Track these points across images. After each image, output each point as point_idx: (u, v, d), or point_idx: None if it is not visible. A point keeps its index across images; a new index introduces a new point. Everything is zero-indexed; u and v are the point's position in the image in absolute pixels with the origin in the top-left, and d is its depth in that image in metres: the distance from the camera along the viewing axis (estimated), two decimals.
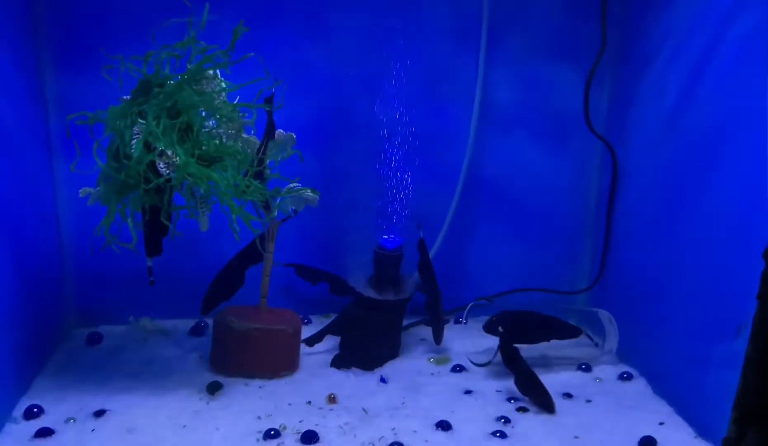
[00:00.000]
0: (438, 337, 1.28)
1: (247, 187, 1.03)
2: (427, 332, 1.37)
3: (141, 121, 1.01)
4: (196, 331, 1.33)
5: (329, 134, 1.37)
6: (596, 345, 1.27)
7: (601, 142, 1.39)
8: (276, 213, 1.17)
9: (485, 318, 1.30)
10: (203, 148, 1.03)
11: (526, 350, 1.18)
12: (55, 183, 1.28)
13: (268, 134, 1.13)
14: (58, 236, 1.29)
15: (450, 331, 1.33)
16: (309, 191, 1.22)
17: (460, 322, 1.44)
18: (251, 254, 1.21)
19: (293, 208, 1.22)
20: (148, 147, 1.00)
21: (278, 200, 1.20)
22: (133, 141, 1.00)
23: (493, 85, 1.39)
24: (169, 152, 1.00)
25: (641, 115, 1.29)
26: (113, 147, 1.02)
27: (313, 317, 1.44)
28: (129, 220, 1.01)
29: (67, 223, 1.30)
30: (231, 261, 1.23)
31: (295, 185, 1.21)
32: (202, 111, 1.04)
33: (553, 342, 1.24)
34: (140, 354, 1.23)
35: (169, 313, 1.37)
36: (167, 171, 1.00)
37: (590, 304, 1.43)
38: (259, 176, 1.08)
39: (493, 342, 1.22)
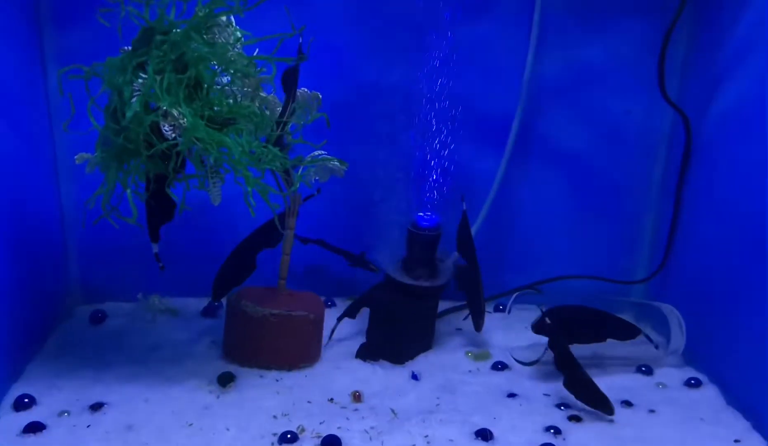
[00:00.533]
0: (478, 323, 1.14)
1: (265, 154, 0.89)
2: (463, 321, 1.23)
3: (143, 75, 0.87)
4: (209, 312, 1.21)
5: (358, 96, 1.21)
6: (656, 347, 1.12)
7: (672, 110, 1.21)
8: (298, 185, 1.03)
9: (529, 307, 1.16)
10: (214, 108, 0.89)
11: (574, 347, 1.03)
12: (56, 147, 1.15)
13: (290, 92, 0.98)
14: (59, 206, 1.18)
15: (489, 321, 1.19)
16: (335, 160, 1.07)
17: (501, 310, 1.30)
18: (267, 235, 1.08)
19: (317, 180, 1.08)
20: (149, 106, 0.87)
21: (301, 170, 1.06)
22: (134, 99, 0.86)
23: (547, 45, 1.22)
24: (175, 113, 0.86)
25: (722, 82, 1.11)
26: (111, 106, 0.89)
27: (338, 300, 1.31)
28: (128, 191, 0.88)
29: (69, 191, 1.18)
30: (244, 242, 1.10)
31: (320, 153, 1.07)
32: (213, 65, 0.90)
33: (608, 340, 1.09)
34: (146, 337, 1.11)
35: (180, 290, 1.25)
36: (173, 135, 0.87)
37: (649, 296, 1.27)
38: (279, 142, 0.93)
39: (538, 335, 1.07)
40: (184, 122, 0.86)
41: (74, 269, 1.22)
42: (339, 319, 1.12)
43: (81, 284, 1.22)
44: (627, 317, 1.19)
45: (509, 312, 1.18)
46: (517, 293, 1.12)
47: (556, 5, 1.20)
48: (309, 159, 1.06)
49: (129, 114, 0.83)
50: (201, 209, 1.06)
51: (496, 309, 1.30)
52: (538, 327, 1.03)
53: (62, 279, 1.19)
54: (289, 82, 0.98)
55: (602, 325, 1.07)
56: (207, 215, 1.19)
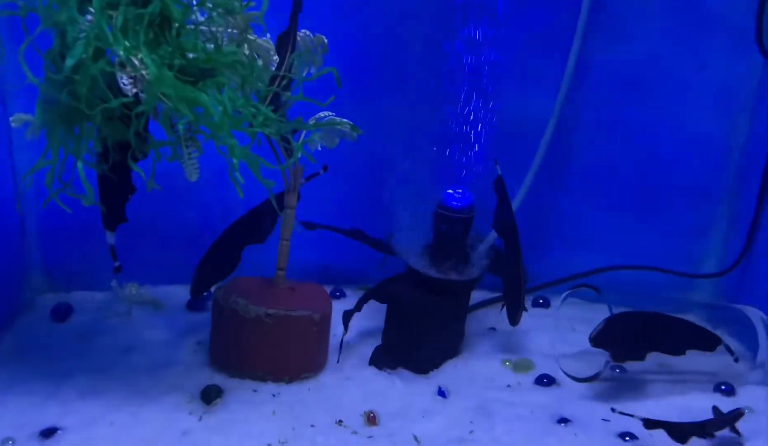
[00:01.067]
0: (515, 317, 0.95)
1: (254, 116, 0.68)
2: (497, 317, 1.04)
3: (92, 10, 0.66)
4: (195, 305, 1.02)
5: (378, 56, 1.00)
6: (736, 360, 0.92)
7: (760, 66, 0.98)
8: (300, 154, 0.83)
9: (576, 302, 0.96)
10: (188, 55, 0.67)
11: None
12: (6, 109, 0.95)
13: (289, 36, 0.76)
14: (13, 179, 0.98)
15: (529, 319, 0.99)
16: (346, 123, 0.86)
17: (541, 305, 1.10)
18: (255, 224, 0.88)
19: (323, 147, 0.88)
20: (105, 52, 0.66)
21: (303, 136, 0.85)
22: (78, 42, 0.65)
23: None
24: (135, 61, 0.65)
25: None
26: (54, 52, 0.68)
27: (348, 291, 1.11)
28: (79, 164, 0.68)
29: (24, 161, 0.98)
30: (226, 233, 0.90)
31: (326, 114, 0.86)
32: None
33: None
34: (118, 337, 0.93)
35: (164, 277, 1.07)
36: (133, 90, 0.66)
37: (721, 295, 1.06)
38: (274, 100, 0.72)
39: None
40: (147, 73, 0.65)
41: (34, 253, 1.02)
42: (347, 317, 0.92)
43: (43, 270, 1.03)
44: (693, 320, 0.98)
45: (558, 308, 0.98)
46: (568, 293, 0.92)
47: None
48: (313, 122, 0.85)
49: (69, 61, 0.62)
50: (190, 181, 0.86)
51: (536, 304, 1.10)
52: (598, 340, 0.83)
53: (20, 266, 1.00)
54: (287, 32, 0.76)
55: (674, 334, 0.87)
56: (198, 188, 0.99)
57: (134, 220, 1.03)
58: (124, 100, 0.64)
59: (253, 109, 0.67)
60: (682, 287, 1.09)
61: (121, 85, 0.66)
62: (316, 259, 1.08)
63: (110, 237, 0.77)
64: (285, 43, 0.75)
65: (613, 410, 0.78)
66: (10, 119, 0.72)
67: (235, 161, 0.67)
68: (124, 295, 1.02)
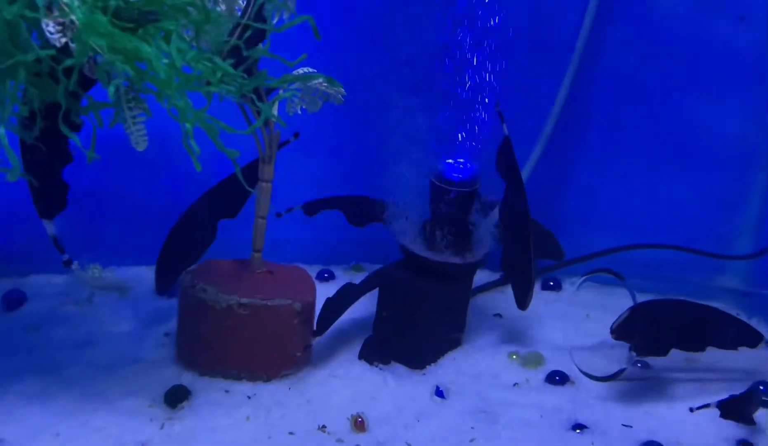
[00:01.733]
0: (523, 300, 0.83)
1: (212, 72, 0.56)
2: (503, 300, 0.93)
3: None
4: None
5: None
6: None
7: None
8: (274, 114, 0.71)
9: (591, 285, 0.85)
10: None
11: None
12: None
13: None
14: None
15: (538, 304, 0.88)
16: (327, 79, 0.74)
17: (551, 288, 0.99)
18: (226, 197, 0.76)
19: (303, 110, 0.76)
20: None
21: (277, 93, 0.73)
22: None
23: None
24: (63, 4, 0.53)
25: None
26: None
27: (337, 270, 1.01)
28: (0, 129, 0.56)
29: None
30: (193, 207, 0.78)
31: (304, 70, 0.73)
32: None
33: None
34: (75, 328, 0.82)
35: (129, 258, 0.96)
36: (62, 39, 0.54)
37: (754, 280, 0.95)
38: (236, 53, 0.59)
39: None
40: (76, 19, 0.53)
41: None
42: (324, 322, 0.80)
43: None
44: (723, 308, 0.87)
45: (575, 292, 0.87)
46: (586, 278, 0.80)
47: None
48: (287, 77, 0.73)
49: None
50: (162, 144, 0.74)
51: (545, 287, 0.99)
52: (621, 332, 0.72)
53: None
54: None
55: (709, 327, 0.76)
56: (168, 155, 0.87)
57: (97, 193, 0.92)
58: (47, 52, 0.52)
59: (209, 64, 0.55)
60: (712, 268, 0.98)
61: (48, 34, 0.55)
62: (300, 235, 0.97)
63: (49, 227, 0.66)
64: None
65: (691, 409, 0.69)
66: None
67: (188, 126, 0.55)
68: (86, 278, 0.91)
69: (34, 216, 0.90)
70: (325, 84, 0.75)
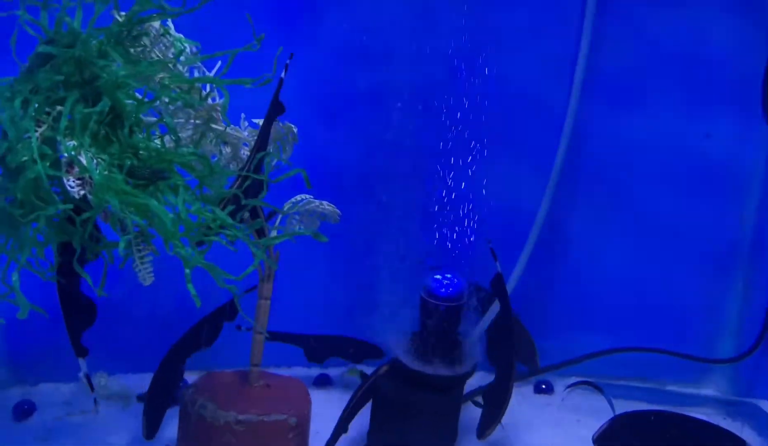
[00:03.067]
0: (483, 430, 0.84)
1: (213, 220, 0.62)
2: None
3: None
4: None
5: (350, 114, 0.94)
6: None
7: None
8: (275, 239, 0.76)
9: (584, 391, 0.88)
10: (140, 152, 0.62)
11: None
12: None
13: (266, 125, 0.70)
14: None
15: (531, 408, 0.91)
16: (325, 203, 0.81)
17: (544, 391, 1.01)
18: (197, 336, 0.81)
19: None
20: (56, 146, 0.61)
21: (278, 221, 0.80)
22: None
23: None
24: (83, 160, 0.60)
25: None
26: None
27: (333, 373, 1.04)
28: (15, 276, 0.61)
29: None
30: (167, 356, 0.83)
31: (303, 197, 0.80)
32: (140, 91, 0.63)
33: None
34: (81, 441, 0.85)
35: (135, 365, 1.00)
36: (81, 192, 0.61)
37: (740, 383, 0.97)
38: (235, 200, 0.65)
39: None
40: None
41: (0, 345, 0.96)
42: (335, 433, 0.84)
43: (9, 363, 0.96)
44: (709, 414, 0.89)
45: (563, 400, 0.89)
46: (569, 389, 0.83)
47: None
48: (289, 206, 0.80)
49: (11, 159, 0.57)
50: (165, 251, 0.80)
51: (538, 390, 1.02)
52: (603, 442, 0.75)
53: None
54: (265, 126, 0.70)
55: (691, 437, 0.78)
56: (173, 269, 0.93)
57: (104, 300, 0.96)
58: (66, 206, 0.59)
59: (210, 214, 0.61)
60: (696, 372, 1.00)
61: (68, 187, 0.61)
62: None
63: (83, 365, 0.71)
64: (255, 145, 0.69)
65: None
66: None
67: (187, 270, 0.61)
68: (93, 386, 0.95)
69: (44, 326, 0.96)
70: (323, 205, 0.82)
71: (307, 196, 0.82)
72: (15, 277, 0.60)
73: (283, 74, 0.69)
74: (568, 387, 0.83)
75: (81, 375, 0.75)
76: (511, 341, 0.82)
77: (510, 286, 0.95)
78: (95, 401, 0.81)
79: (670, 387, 0.99)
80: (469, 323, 0.88)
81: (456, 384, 0.86)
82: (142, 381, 0.98)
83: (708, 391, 1.00)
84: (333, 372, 1.04)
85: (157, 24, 0.63)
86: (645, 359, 1.00)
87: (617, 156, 1.00)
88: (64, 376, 0.96)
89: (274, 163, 0.69)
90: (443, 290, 0.85)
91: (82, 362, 0.76)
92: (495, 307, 0.89)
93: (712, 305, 1.02)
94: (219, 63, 0.71)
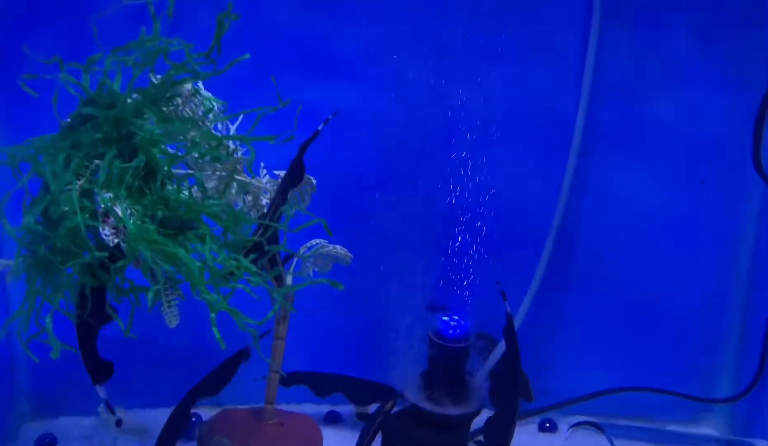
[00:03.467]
0: None
1: (237, 268, 0.67)
2: None
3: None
4: (186, 432, 0.98)
5: (361, 171, 0.99)
6: None
7: (761, 186, 0.96)
8: (295, 287, 0.81)
9: (587, 430, 0.90)
10: (171, 203, 0.67)
11: None
12: (3, 241, 0.95)
13: (287, 184, 0.75)
14: (5, 307, 0.97)
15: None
16: (338, 247, 0.85)
17: (548, 430, 1.04)
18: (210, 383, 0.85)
19: (315, 272, 0.86)
20: (93, 197, 0.66)
21: (294, 265, 0.84)
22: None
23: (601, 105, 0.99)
24: (118, 211, 0.65)
25: None
26: (39, 200, 0.68)
27: (342, 411, 1.07)
28: (48, 319, 0.66)
29: (16, 291, 0.96)
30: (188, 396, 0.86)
31: (317, 242, 0.85)
32: (172, 145, 0.68)
33: None
34: None
35: (153, 399, 1.03)
36: (115, 240, 0.65)
37: (738, 423, 1.00)
38: (258, 248, 0.70)
39: None
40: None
41: (22, 378, 0.99)
42: None
43: (30, 396, 1.00)
44: None
45: (566, 440, 0.92)
46: (572, 429, 0.86)
47: None
48: (304, 250, 0.84)
49: (53, 210, 0.62)
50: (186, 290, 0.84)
51: (542, 428, 1.04)
52: None
53: (7, 392, 0.97)
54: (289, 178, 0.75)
55: None
56: (192, 306, 0.97)
57: (122, 336, 1.00)
58: (102, 254, 0.63)
59: (234, 262, 0.65)
60: (695, 411, 1.03)
61: (103, 236, 0.66)
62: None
63: (101, 391, 0.75)
64: (276, 197, 0.74)
65: None
66: None
67: (212, 314, 0.65)
68: (111, 422, 0.98)
69: (64, 363, 0.99)
70: (336, 249, 0.86)
71: (321, 240, 0.86)
72: (48, 319, 0.65)
73: (321, 127, 0.74)
74: (571, 427, 0.86)
75: (102, 399, 0.78)
76: (517, 380, 0.85)
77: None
78: (118, 422, 0.83)
79: (670, 427, 1.01)
80: (474, 364, 0.92)
81: (463, 423, 0.89)
82: (159, 417, 1.02)
83: (707, 430, 1.03)
84: (342, 409, 1.07)
85: (189, 85, 0.69)
86: (646, 398, 1.03)
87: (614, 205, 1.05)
88: (84, 410, 1.00)
89: (293, 211, 0.74)
90: (451, 331, 0.89)
91: (100, 388, 0.78)
92: (500, 349, 0.92)
93: (710, 345, 1.05)
94: (242, 116, 0.77)
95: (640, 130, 1.01)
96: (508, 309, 0.86)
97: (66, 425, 0.98)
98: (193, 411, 0.96)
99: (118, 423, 0.78)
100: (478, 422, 0.94)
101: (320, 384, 0.97)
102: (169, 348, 1.02)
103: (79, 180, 0.65)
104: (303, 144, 0.74)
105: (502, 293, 0.86)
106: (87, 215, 0.64)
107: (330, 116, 0.74)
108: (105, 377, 0.76)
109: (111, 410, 0.78)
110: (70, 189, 0.63)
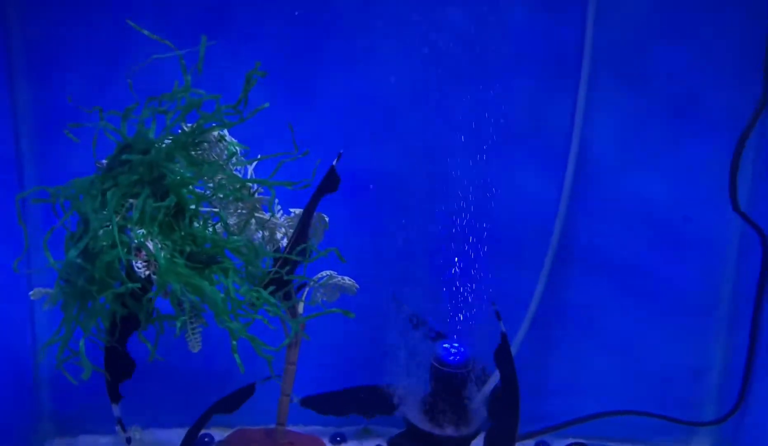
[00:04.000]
0: None
1: (257, 299, 0.73)
2: None
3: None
4: None
5: (362, 200, 1.05)
6: None
7: (744, 223, 1.03)
8: (309, 317, 0.87)
9: None
10: (198, 239, 0.73)
11: None
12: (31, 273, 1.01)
13: (304, 225, 0.81)
14: (32, 330, 1.03)
15: None
16: (346, 278, 0.92)
17: None
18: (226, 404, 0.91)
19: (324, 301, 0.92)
20: (125, 232, 0.72)
21: (305, 294, 0.90)
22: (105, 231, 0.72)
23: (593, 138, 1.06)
24: (150, 245, 0.71)
25: None
26: (77, 236, 0.74)
27: (347, 432, 1.12)
28: (81, 342, 0.72)
29: (42, 316, 1.03)
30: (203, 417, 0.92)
31: (326, 273, 0.91)
32: (199, 187, 0.75)
33: None
34: None
35: (168, 419, 1.08)
36: (146, 272, 0.72)
37: (724, 444, 1.06)
38: (276, 281, 0.77)
39: None
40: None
41: (45, 398, 1.05)
42: None
43: (52, 413, 1.06)
44: None
45: None
46: None
47: None
48: (314, 281, 0.91)
49: (92, 244, 0.69)
50: (207, 317, 0.90)
51: None
52: None
53: (31, 410, 1.03)
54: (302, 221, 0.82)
55: None
56: (209, 327, 1.03)
57: (138, 354, 1.05)
58: (134, 285, 0.70)
59: (255, 294, 0.72)
60: (683, 433, 1.09)
61: (135, 268, 0.72)
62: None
63: (116, 410, 0.80)
64: (294, 236, 0.80)
65: None
66: (30, 293, 0.78)
67: (233, 341, 0.71)
68: (128, 438, 1.04)
69: (86, 382, 1.05)
70: (344, 280, 0.92)
71: (331, 272, 0.93)
72: (81, 343, 0.71)
73: (335, 162, 0.81)
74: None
75: (116, 417, 0.83)
76: (516, 400, 0.91)
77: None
78: (128, 440, 0.88)
79: None
80: (473, 389, 0.97)
81: (463, 443, 0.94)
82: (175, 436, 1.07)
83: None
84: (347, 430, 1.12)
85: (215, 133, 0.76)
86: (635, 421, 1.09)
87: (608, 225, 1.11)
88: (103, 429, 1.05)
89: (309, 248, 0.80)
90: (451, 358, 0.95)
91: (115, 407, 0.83)
92: (495, 376, 0.98)
93: (696, 367, 1.10)
94: (259, 157, 0.84)
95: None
96: (503, 329, 0.92)
97: (86, 442, 1.04)
98: (206, 431, 1.03)
99: (128, 440, 0.83)
100: (477, 443, 1.00)
101: (332, 403, 1.01)
102: (185, 369, 1.08)
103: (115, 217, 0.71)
104: (319, 188, 0.81)
105: (496, 313, 0.92)
106: (124, 250, 0.70)
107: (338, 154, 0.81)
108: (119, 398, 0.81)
109: (123, 428, 0.83)
110: (109, 226, 0.70)
